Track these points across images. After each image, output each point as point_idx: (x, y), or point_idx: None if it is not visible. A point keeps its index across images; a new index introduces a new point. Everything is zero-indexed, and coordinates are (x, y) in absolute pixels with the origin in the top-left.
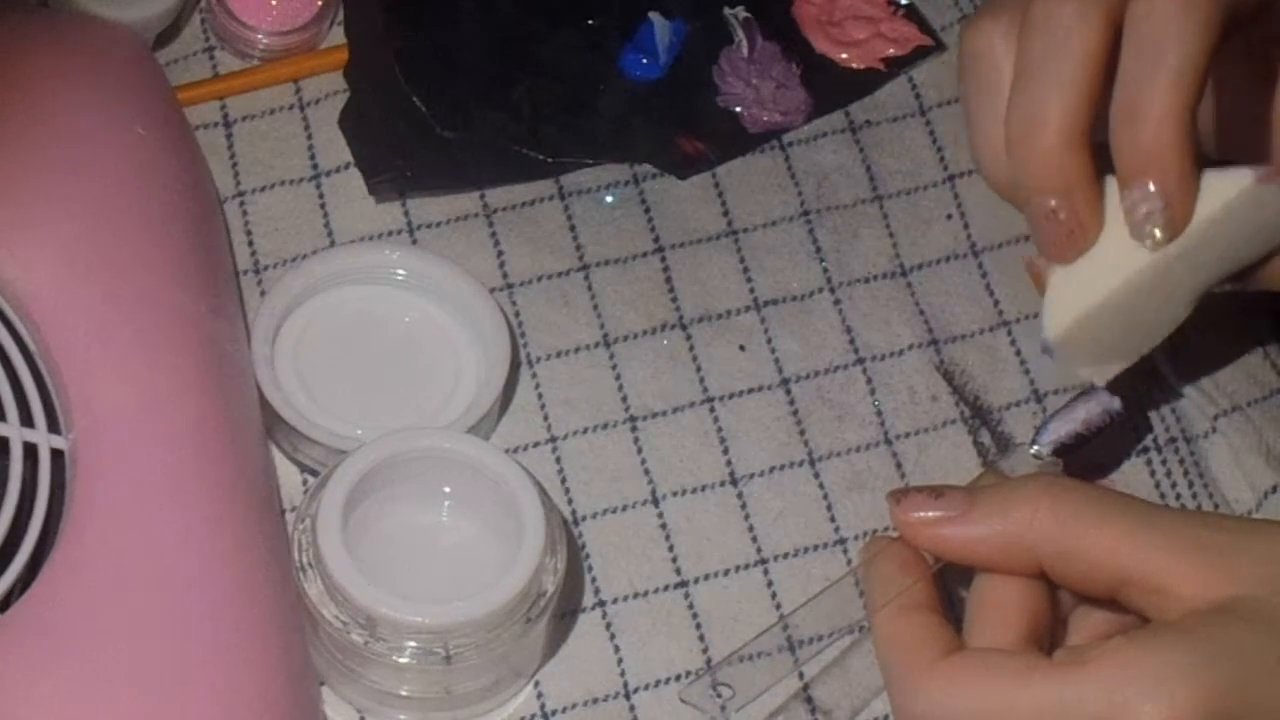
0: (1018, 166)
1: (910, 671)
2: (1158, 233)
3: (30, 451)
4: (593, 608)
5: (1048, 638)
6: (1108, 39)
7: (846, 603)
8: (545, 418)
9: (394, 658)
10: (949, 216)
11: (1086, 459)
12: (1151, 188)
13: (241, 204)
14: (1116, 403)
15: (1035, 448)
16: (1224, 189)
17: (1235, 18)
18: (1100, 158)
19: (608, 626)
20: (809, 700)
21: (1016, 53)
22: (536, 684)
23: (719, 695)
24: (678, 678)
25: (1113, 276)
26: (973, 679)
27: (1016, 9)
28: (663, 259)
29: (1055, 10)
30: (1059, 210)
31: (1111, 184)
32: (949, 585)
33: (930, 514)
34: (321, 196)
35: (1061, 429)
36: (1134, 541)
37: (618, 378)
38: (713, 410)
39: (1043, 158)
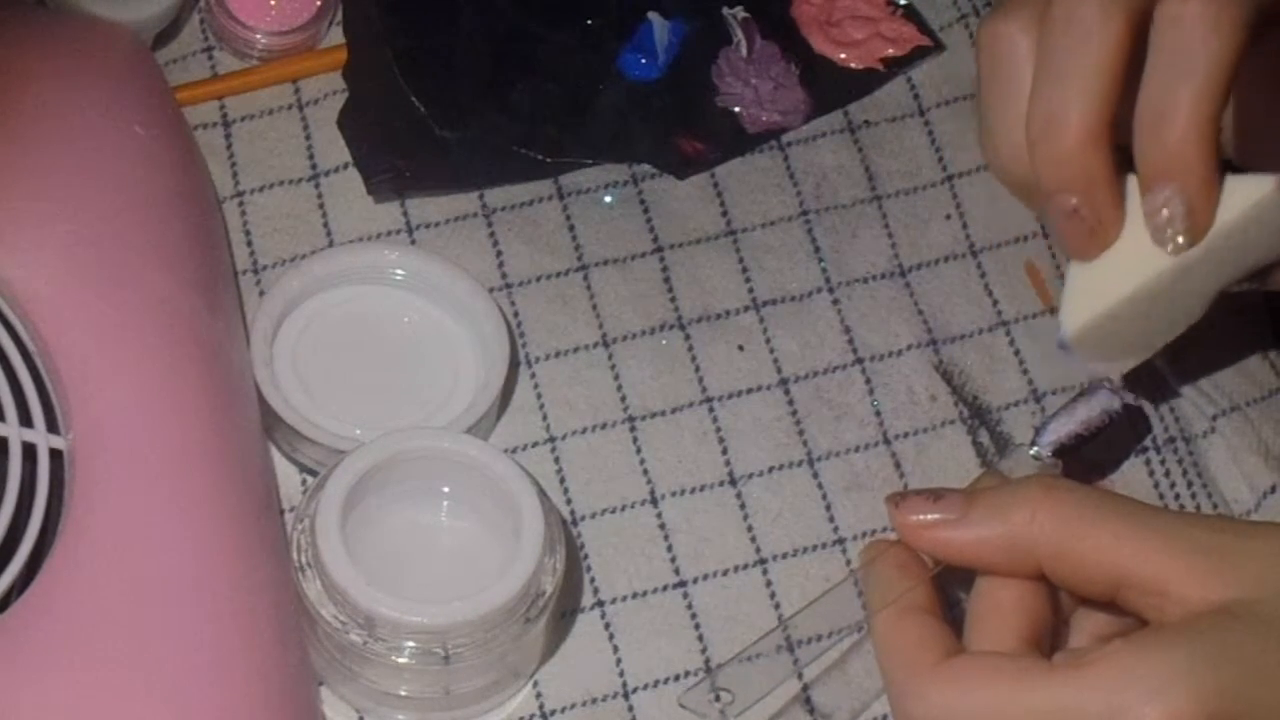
0: (1039, 165)
1: (910, 675)
2: (1180, 239)
3: (29, 451)
4: (591, 608)
5: (1048, 640)
6: (1130, 38)
7: (846, 605)
8: (544, 418)
9: (393, 658)
10: (948, 217)
11: (1086, 459)
12: (1174, 193)
13: (240, 204)
14: (1116, 403)
15: (1034, 449)
16: (1246, 195)
17: (1264, 20)
18: (1120, 156)
19: (606, 626)
20: (808, 704)
21: (1037, 51)
22: (535, 684)
23: (718, 700)
24: (676, 678)
25: (1132, 277)
26: (972, 682)
27: (1036, 6)
28: (661, 259)
29: (1077, 9)
30: (1080, 209)
31: (1132, 182)
32: (949, 588)
33: (929, 517)
34: (320, 196)
35: (1061, 430)
36: (1133, 543)
37: (616, 378)
38: (712, 410)
39: (1064, 156)
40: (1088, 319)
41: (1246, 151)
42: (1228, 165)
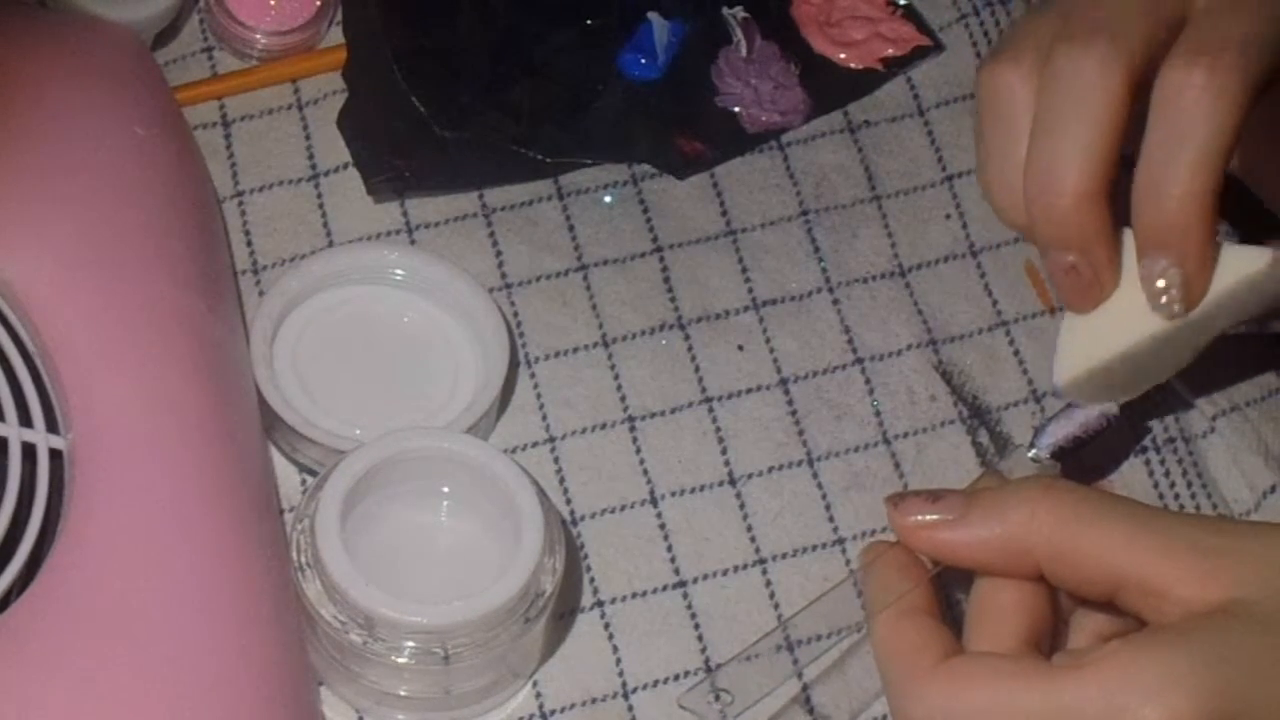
0: (1036, 220)
1: (909, 676)
2: (1176, 307)
3: (29, 451)
4: (591, 608)
5: (1047, 641)
6: (1130, 95)
7: (845, 606)
8: (544, 418)
9: (392, 658)
10: (948, 216)
11: (1085, 459)
12: (1170, 263)
13: (240, 204)
14: (1114, 407)
15: (1033, 450)
16: (1242, 266)
17: (1267, 84)
18: (1120, 208)
19: (606, 626)
20: (808, 704)
21: (1037, 103)
22: (535, 684)
23: (718, 700)
24: (676, 678)
25: (1125, 334)
26: (971, 683)
27: (1038, 53)
28: (661, 259)
29: (1078, 63)
30: (1077, 264)
31: (1129, 236)
32: (948, 589)
33: (928, 517)
34: (320, 196)
35: (1060, 432)
36: (1132, 544)
37: (616, 378)
38: (711, 410)
39: (1060, 215)
40: (1081, 371)
41: (1254, 173)
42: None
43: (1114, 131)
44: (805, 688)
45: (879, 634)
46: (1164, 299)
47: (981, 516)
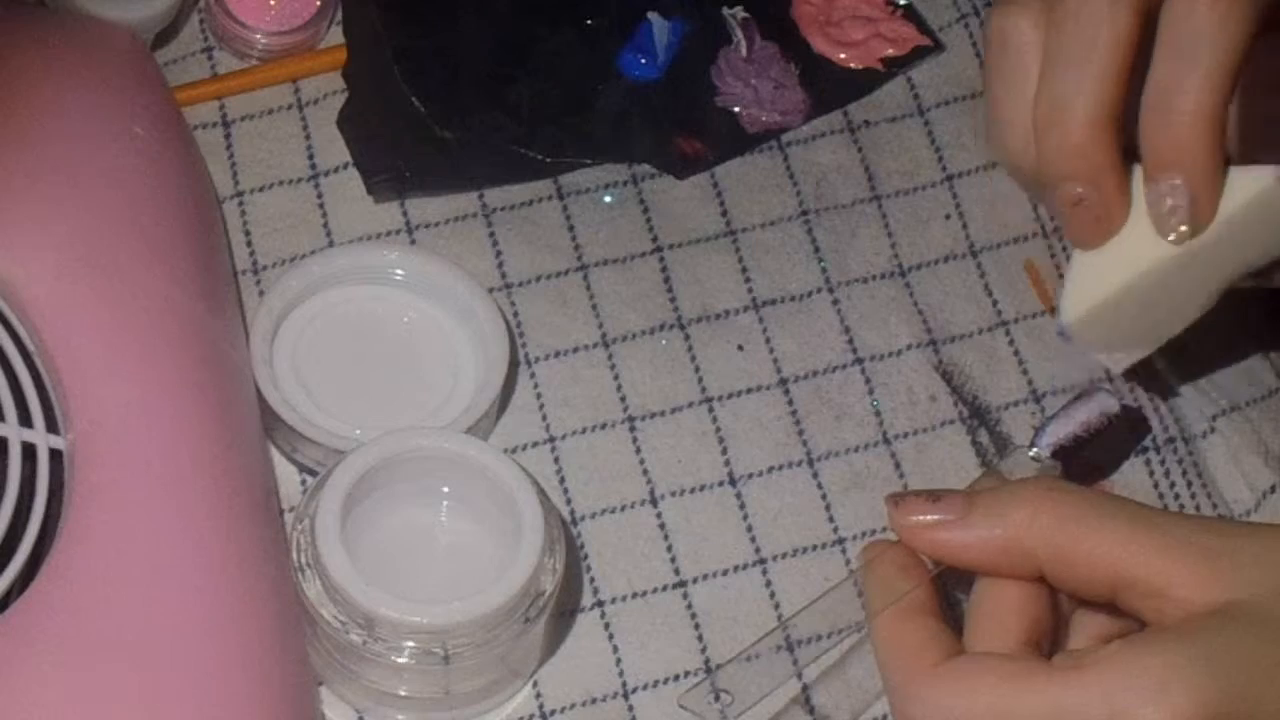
0: (1045, 153)
1: (909, 676)
2: (1183, 228)
3: (29, 452)
4: (591, 608)
5: (1048, 641)
6: (1139, 28)
7: (846, 606)
8: (544, 418)
9: (392, 658)
10: (948, 216)
11: (1085, 460)
12: (1178, 182)
13: (240, 204)
14: (1114, 405)
15: (1034, 450)
16: (1247, 187)
17: (1272, 14)
18: (1127, 150)
19: (606, 626)
20: (808, 704)
21: (1046, 40)
22: (535, 684)
23: (718, 700)
24: (676, 678)
25: (1134, 266)
26: (971, 683)
27: None
28: (661, 259)
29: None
30: (1086, 196)
31: (1138, 173)
32: (949, 589)
33: (929, 518)
34: (320, 196)
35: (1060, 431)
36: (1133, 545)
37: (616, 378)
38: (711, 410)
39: (1071, 144)
40: (1089, 306)
41: (1247, 155)
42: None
43: (1124, 63)
44: (805, 688)
45: (880, 634)
46: (1172, 220)
47: (982, 517)
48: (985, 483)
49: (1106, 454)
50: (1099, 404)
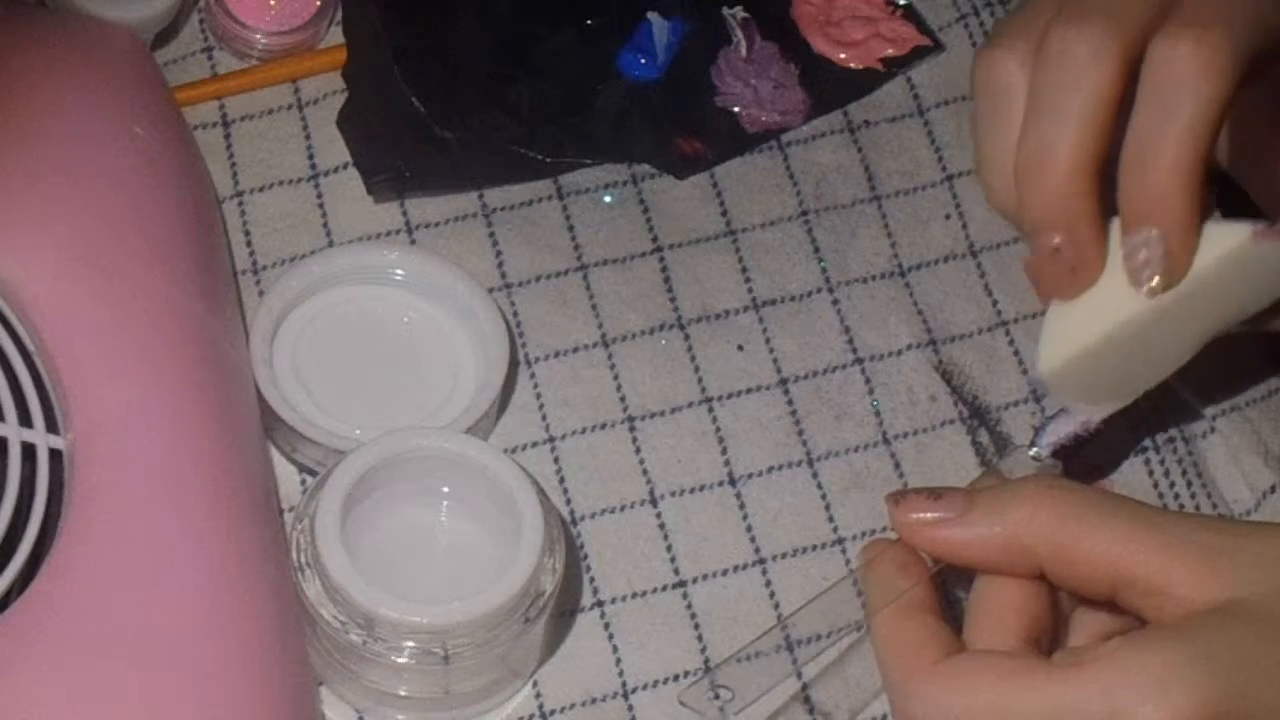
0: (1024, 200)
1: (909, 674)
2: (1155, 280)
3: (28, 451)
4: (591, 608)
5: (1048, 639)
6: (1123, 76)
7: (845, 604)
8: (543, 418)
9: (392, 658)
10: (947, 216)
11: (1085, 459)
12: (1153, 235)
13: (240, 204)
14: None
15: (1034, 449)
16: (1223, 242)
17: (1258, 61)
18: (1108, 197)
19: (606, 626)
20: (808, 702)
21: (1031, 85)
22: (535, 684)
23: (718, 698)
24: (676, 678)
25: (1109, 318)
26: (971, 681)
27: (1033, 38)
28: (661, 259)
29: (1071, 45)
30: (1062, 247)
31: (1115, 226)
32: (949, 587)
33: (929, 515)
34: (320, 196)
35: (1060, 431)
36: (1133, 543)
37: (616, 378)
38: (711, 410)
39: (1049, 194)
40: (1064, 358)
41: (1240, 167)
42: (1218, 175)
43: (1107, 111)
44: (805, 686)
45: (880, 632)
46: (1145, 272)
47: (983, 515)
48: (985, 482)
49: (1107, 453)
50: (1082, 413)
